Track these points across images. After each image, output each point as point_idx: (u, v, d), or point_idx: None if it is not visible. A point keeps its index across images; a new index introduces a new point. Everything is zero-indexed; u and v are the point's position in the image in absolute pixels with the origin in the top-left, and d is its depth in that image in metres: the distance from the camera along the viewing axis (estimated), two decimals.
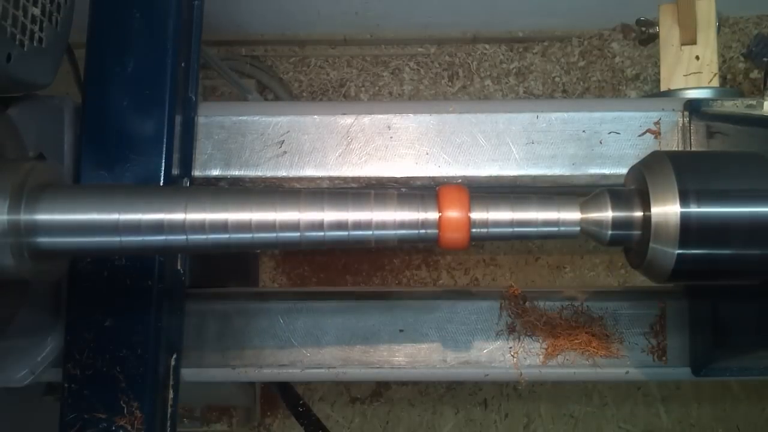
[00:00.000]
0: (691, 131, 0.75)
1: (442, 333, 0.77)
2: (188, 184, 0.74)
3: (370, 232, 0.42)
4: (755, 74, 1.81)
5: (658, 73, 0.90)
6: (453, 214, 0.41)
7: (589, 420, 1.66)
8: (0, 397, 0.76)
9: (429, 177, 0.75)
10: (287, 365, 0.77)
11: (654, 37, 0.94)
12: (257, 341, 0.77)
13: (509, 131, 0.76)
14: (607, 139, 0.75)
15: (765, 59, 1.77)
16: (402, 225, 0.42)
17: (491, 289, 0.79)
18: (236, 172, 0.76)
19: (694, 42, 0.89)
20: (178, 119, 0.71)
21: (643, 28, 0.95)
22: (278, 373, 0.78)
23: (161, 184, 0.67)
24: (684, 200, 0.42)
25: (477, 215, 0.42)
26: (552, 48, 1.86)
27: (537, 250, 1.71)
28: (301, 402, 1.40)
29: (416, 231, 0.42)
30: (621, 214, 0.44)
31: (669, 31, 0.91)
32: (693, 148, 0.74)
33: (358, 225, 0.42)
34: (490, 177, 0.75)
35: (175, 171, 0.70)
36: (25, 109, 0.61)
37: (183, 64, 0.73)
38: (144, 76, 0.69)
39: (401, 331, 0.77)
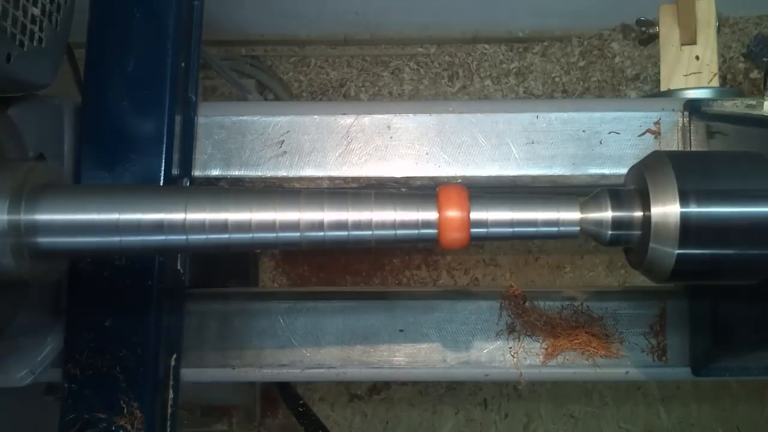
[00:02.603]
0: (691, 131, 0.75)
1: (442, 333, 0.77)
2: (188, 184, 0.74)
3: (370, 232, 0.42)
4: (755, 74, 1.81)
5: (658, 73, 0.90)
6: (453, 214, 0.41)
7: (589, 420, 1.66)
8: (0, 397, 0.76)
9: (429, 177, 0.75)
10: (287, 365, 0.77)
11: (654, 37, 0.94)
12: (257, 341, 0.77)
13: (509, 131, 0.76)
14: (607, 139, 0.75)
15: (765, 59, 1.77)
16: (402, 225, 0.42)
17: (491, 289, 0.79)
18: (236, 172, 0.76)
19: (694, 42, 0.89)
20: (178, 119, 0.71)
21: (643, 28, 0.95)
22: (278, 373, 0.78)
23: (161, 184, 0.67)
24: (684, 200, 0.42)
25: (477, 215, 0.42)
26: (552, 48, 1.87)
27: (537, 250, 1.71)
28: (301, 402, 1.40)
29: (416, 231, 0.42)
30: (621, 214, 0.44)
31: (669, 31, 0.91)
32: (693, 148, 0.74)
33: (358, 225, 0.42)
34: (490, 177, 0.75)
35: (175, 171, 0.70)
36: (25, 109, 0.61)
37: (183, 64, 0.73)
38: (144, 76, 0.69)
39: (401, 331, 0.77)
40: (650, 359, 0.76)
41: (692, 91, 0.85)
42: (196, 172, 0.75)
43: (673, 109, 0.76)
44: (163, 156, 0.68)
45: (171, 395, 0.71)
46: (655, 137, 0.75)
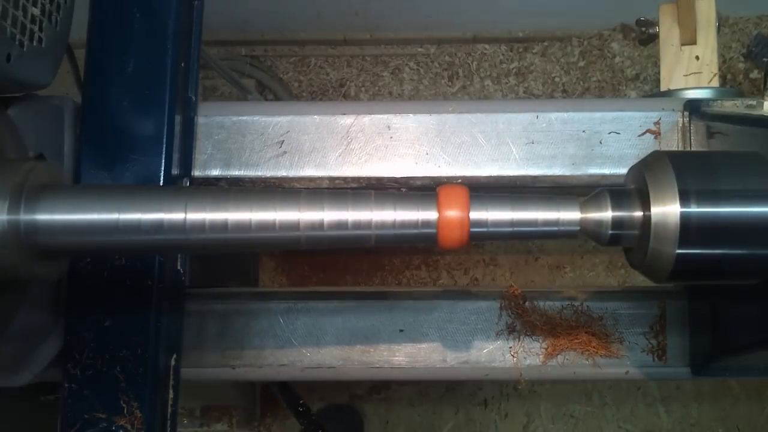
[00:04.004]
0: (691, 131, 0.75)
1: (442, 333, 0.77)
2: (188, 184, 0.74)
3: (370, 232, 0.42)
4: (755, 74, 1.81)
5: (658, 73, 0.90)
6: (453, 213, 0.41)
7: (589, 420, 1.66)
8: (0, 397, 0.76)
9: (429, 177, 0.75)
10: (287, 365, 0.77)
11: (654, 37, 0.94)
12: (257, 341, 0.77)
13: (509, 131, 0.76)
14: (607, 139, 0.75)
15: (765, 59, 1.77)
16: (402, 225, 0.42)
17: (491, 289, 0.79)
18: (236, 172, 0.76)
19: (694, 42, 0.89)
20: (178, 119, 0.71)
21: (643, 28, 0.95)
22: (278, 373, 0.78)
23: (161, 184, 0.67)
24: (684, 200, 0.42)
25: (476, 215, 0.42)
26: (552, 48, 1.86)
27: (537, 250, 1.71)
28: (301, 402, 1.40)
29: (416, 231, 0.42)
30: (621, 213, 0.44)
31: (669, 31, 0.91)
32: (693, 148, 0.74)
33: (358, 225, 0.42)
34: (490, 177, 0.75)
35: (175, 171, 0.70)
36: (25, 109, 0.61)
37: (183, 64, 0.73)
38: (144, 76, 0.69)
39: (401, 331, 0.77)
40: (650, 359, 0.76)
41: (692, 91, 0.85)
42: (196, 172, 0.75)
43: (673, 109, 0.76)
44: (163, 156, 0.68)
45: (171, 395, 0.71)
46: (655, 137, 0.75)
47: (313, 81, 1.86)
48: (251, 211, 0.42)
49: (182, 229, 0.42)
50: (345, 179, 0.75)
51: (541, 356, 0.76)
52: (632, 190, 0.45)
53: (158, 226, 0.42)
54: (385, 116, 0.77)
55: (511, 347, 0.76)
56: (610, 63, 1.84)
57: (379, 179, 0.75)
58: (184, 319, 0.76)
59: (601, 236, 0.44)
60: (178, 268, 0.74)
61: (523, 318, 0.76)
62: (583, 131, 0.76)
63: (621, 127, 0.76)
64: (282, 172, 0.76)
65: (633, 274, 1.66)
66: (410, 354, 0.77)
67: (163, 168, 0.68)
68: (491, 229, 0.43)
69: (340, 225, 0.42)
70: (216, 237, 0.42)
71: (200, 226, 0.42)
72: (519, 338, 0.76)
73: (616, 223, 0.44)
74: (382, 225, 0.42)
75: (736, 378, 1.30)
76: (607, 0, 1.74)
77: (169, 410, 0.71)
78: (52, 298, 0.67)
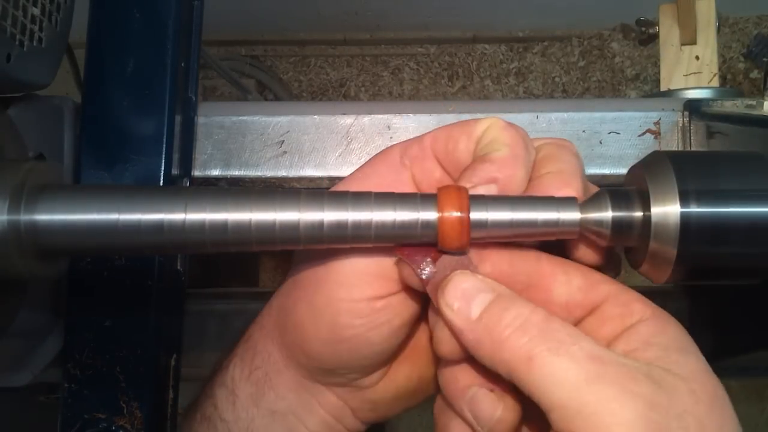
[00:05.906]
0: (691, 131, 0.75)
1: None
2: (188, 184, 0.74)
3: (371, 233, 0.42)
4: (755, 74, 1.81)
5: (658, 73, 0.90)
6: (452, 214, 0.41)
7: None
8: (0, 397, 0.76)
9: None
10: None
11: (654, 37, 0.94)
12: None
13: None
14: (606, 139, 0.75)
15: (765, 59, 1.77)
16: (402, 225, 0.42)
17: None
18: (236, 172, 0.76)
19: (694, 42, 0.89)
20: (178, 119, 0.71)
21: (643, 28, 0.95)
22: None
23: (161, 184, 0.67)
24: (684, 200, 0.42)
25: (477, 215, 0.42)
26: (552, 48, 1.86)
27: None
28: None
29: (416, 231, 0.42)
30: (621, 214, 0.44)
31: (669, 31, 0.91)
32: (693, 148, 0.74)
33: (358, 225, 0.42)
34: None
35: (175, 171, 0.70)
36: (25, 109, 0.61)
37: (183, 64, 0.73)
38: (144, 76, 0.69)
39: None
40: None
41: (692, 91, 0.85)
42: (196, 172, 0.75)
43: (673, 109, 0.76)
44: (163, 156, 0.68)
45: (171, 395, 0.71)
46: (655, 137, 0.75)
47: (313, 81, 1.86)
48: (251, 211, 0.42)
49: (182, 229, 0.42)
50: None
51: None
52: (632, 190, 0.45)
53: (158, 227, 0.42)
54: (385, 116, 0.77)
55: None
56: (610, 63, 1.84)
57: None
58: (184, 319, 0.76)
59: (601, 236, 0.44)
60: (178, 268, 0.73)
61: None
62: (583, 131, 0.76)
63: (621, 127, 0.76)
64: (282, 172, 0.76)
65: (632, 275, 1.66)
66: None
67: (163, 168, 0.68)
68: (491, 230, 0.43)
69: (340, 225, 0.42)
70: (216, 237, 0.42)
71: (200, 227, 0.42)
72: None
73: (616, 224, 0.44)
74: (382, 225, 0.42)
75: (736, 378, 1.30)
76: (607, 0, 1.74)
77: (169, 410, 0.71)
78: (52, 298, 0.67)
